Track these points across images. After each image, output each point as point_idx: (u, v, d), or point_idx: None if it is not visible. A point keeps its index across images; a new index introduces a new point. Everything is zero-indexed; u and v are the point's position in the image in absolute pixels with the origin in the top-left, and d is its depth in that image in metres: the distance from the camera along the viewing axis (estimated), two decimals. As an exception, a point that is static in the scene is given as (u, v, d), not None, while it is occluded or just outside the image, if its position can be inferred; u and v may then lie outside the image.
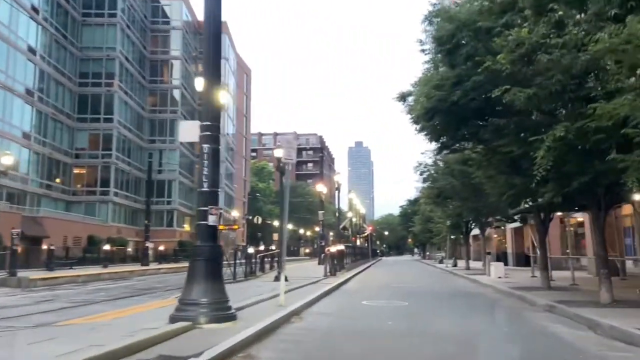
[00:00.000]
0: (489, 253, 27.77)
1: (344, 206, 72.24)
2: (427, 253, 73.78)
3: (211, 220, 7.38)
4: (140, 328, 6.64)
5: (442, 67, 12.66)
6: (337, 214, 42.81)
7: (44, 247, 29.05)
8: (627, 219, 20.18)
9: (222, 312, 7.30)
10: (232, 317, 7.43)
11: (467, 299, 13.98)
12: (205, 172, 7.41)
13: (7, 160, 23.75)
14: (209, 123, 7.48)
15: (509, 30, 9.32)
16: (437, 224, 41.11)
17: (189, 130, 7.62)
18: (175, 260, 39.78)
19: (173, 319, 7.06)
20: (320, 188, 33.20)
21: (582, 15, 9.01)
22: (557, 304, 10.34)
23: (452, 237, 41.54)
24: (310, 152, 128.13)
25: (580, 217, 23.30)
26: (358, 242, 57.19)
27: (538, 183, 9.53)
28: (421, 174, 27.87)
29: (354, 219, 58.07)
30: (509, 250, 34.81)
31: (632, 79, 7.63)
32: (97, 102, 45.63)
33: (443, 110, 11.80)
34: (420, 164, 26.94)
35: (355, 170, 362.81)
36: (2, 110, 35.04)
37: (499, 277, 19.51)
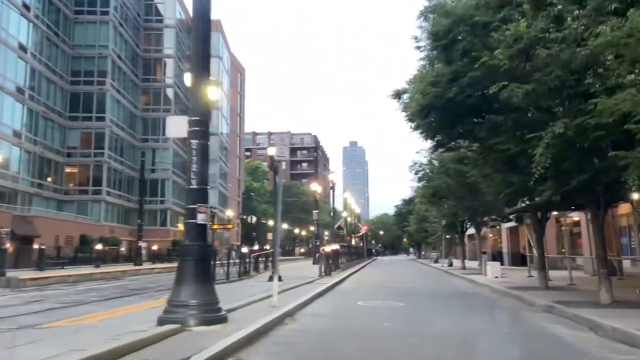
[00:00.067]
0: (484, 252, 27.64)
1: (339, 206, 72.20)
2: (423, 252, 73.77)
3: (200, 218, 7.13)
4: (127, 330, 6.40)
5: (437, 63, 12.46)
6: (332, 213, 42.61)
7: (35, 246, 28.68)
8: (624, 218, 20.09)
9: (212, 314, 7.05)
10: (222, 319, 7.18)
11: (464, 299, 13.80)
12: (193, 169, 7.16)
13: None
14: (197, 118, 7.23)
15: (506, 25, 9.13)
16: (432, 224, 41.03)
17: (177, 126, 7.36)
18: (168, 260, 39.43)
19: (161, 321, 6.81)
20: (315, 187, 33.02)
21: (581, 10, 8.82)
22: (556, 304, 10.16)
23: (447, 236, 41.48)
24: (305, 152, 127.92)
25: (576, 216, 23.22)
26: (353, 242, 57.06)
27: (536, 181, 9.36)
28: (416, 173, 27.78)
29: (349, 219, 57.90)
30: (505, 250, 34.73)
31: (634, 74, 7.46)
32: (89, 101, 45.16)
33: (439, 107, 11.60)
34: (415, 163, 26.84)
35: (350, 170, 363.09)
36: (-7, 109, 34.63)
37: (496, 277, 19.36)
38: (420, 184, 30.61)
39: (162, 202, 53.42)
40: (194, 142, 7.23)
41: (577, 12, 8.74)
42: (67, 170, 44.97)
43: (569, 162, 9.30)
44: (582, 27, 8.31)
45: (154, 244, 42.92)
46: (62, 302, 13.03)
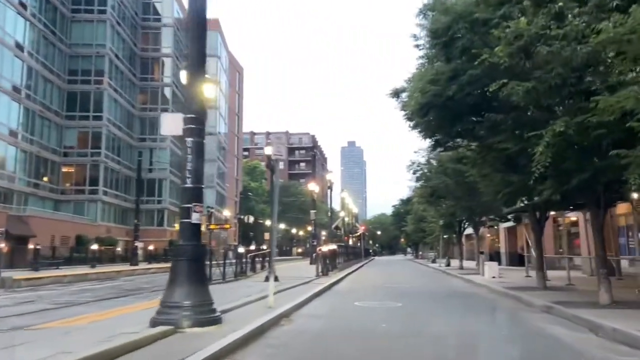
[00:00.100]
0: (482, 252, 27.54)
1: (337, 206, 72.05)
2: (420, 252, 73.65)
3: (194, 218, 6.98)
4: (119, 332, 6.25)
5: (437, 61, 12.34)
6: (329, 213, 42.51)
7: (31, 246, 28.49)
8: (622, 218, 20.01)
9: (206, 315, 6.90)
10: (216, 321, 7.04)
11: (462, 299, 13.67)
12: (189, 167, 7.02)
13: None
14: (192, 115, 7.07)
15: (507, 22, 9.01)
16: (430, 224, 40.88)
17: (171, 123, 7.21)
18: (165, 260, 39.18)
19: (154, 323, 6.66)
20: (313, 187, 32.87)
21: (583, 7, 8.71)
22: (554, 305, 10.04)
23: (445, 236, 41.36)
24: (303, 152, 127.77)
25: (573, 216, 23.15)
26: (350, 242, 56.94)
27: (536, 180, 9.25)
28: (414, 173, 27.62)
29: (346, 219, 57.82)
30: (502, 250, 34.67)
31: (636, 72, 7.35)
32: (86, 100, 44.90)
33: (438, 105, 11.48)
34: (414, 163, 26.69)
35: (348, 170, 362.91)
36: (-12, 107, 34.39)
37: (493, 277, 19.25)
38: (418, 184, 30.48)
39: (159, 202, 53.22)
40: (189, 140, 7.09)
41: (577, 9, 8.64)
42: (64, 169, 44.71)
43: (569, 161, 9.20)
44: (584, 24, 8.21)
45: (150, 244, 42.73)
46: (56, 302, 12.87)
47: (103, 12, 46.12)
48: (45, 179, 41.82)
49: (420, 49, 13.43)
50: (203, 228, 39.08)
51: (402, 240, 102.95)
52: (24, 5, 38.26)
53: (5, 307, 11.99)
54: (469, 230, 32.33)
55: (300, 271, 23.34)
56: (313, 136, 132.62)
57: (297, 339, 7.22)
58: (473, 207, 23.64)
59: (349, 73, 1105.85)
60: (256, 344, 6.62)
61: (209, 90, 7.85)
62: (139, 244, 35.51)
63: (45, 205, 41.08)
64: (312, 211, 31.88)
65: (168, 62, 55.29)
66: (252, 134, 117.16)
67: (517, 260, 29.60)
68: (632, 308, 9.43)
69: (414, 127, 13.27)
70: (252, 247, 32.25)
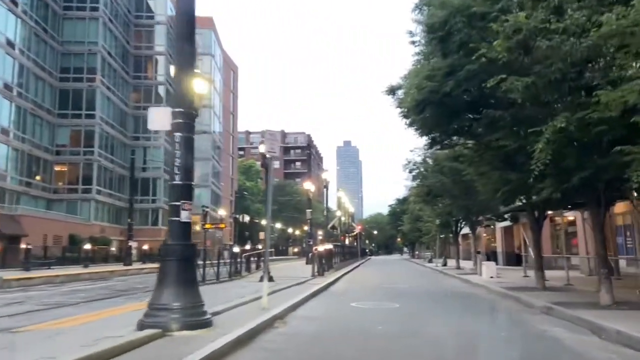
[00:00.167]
0: (479, 252, 27.38)
1: (333, 205, 71.92)
2: (417, 252, 73.56)
3: (184, 216, 6.73)
4: (106, 335, 5.99)
5: (433, 57, 12.11)
6: (325, 212, 42.29)
7: (22, 246, 28.10)
8: (620, 217, 19.86)
9: (196, 318, 6.64)
10: (207, 323, 6.77)
11: (460, 300, 13.46)
12: (177, 164, 6.76)
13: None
14: (181, 109, 6.82)
15: (505, 16, 8.80)
16: (426, 223, 40.73)
17: (160, 118, 6.94)
18: (159, 260, 38.87)
19: (141, 326, 6.39)
20: (308, 186, 32.65)
21: (582, 1, 8.50)
22: (554, 306, 9.83)
23: (441, 236, 41.20)
24: (298, 151, 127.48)
25: (571, 215, 23.00)
26: (347, 242, 56.76)
27: (535, 178, 9.02)
28: (410, 172, 27.44)
29: (342, 218, 57.62)
30: (499, 250, 34.53)
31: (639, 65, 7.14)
32: (78, 98, 44.47)
33: (434, 102, 11.24)
34: (410, 162, 26.50)
35: (344, 169, 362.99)
36: (-21, 106, 33.96)
37: (491, 277, 19.06)
38: (414, 183, 30.30)
39: (153, 201, 52.81)
40: (177, 135, 6.83)
41: (577, 3, 8.43)
42: (56, 168, 44.28)
43: (569, 159, 9.00)
44: (584, 17, 8.00)
45: (144, 244, 42.33)
46: (45, 303, 12.56)
47: (95, 9, 45.70)
48: (37, 177, 41.40)
49: (416, 46, 13.24)
50: (198, 227, 38.96)
51: (399, 239, 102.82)
52: (15, 2, 37.79)
53: (-7, 308, 11.67)
54: (466, 230, 32.17)
55: (296, 271, 23.11)
56: (309, 135, 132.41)
57: (291, 342, 6.98)
58: (470, 206, 23.46)
59: (348, 73, 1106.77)
60: (248, 348, 6.37)
61: (200, 86, 7.58)
62: (133, 244, 35.12)
63: (38, 205, 40.65)
64: (308, 210, 31.66)
65: (161, 60, 54.85)
66: (248, 133, 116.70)
67: (514, 259, 29.46)
68: (633, 309, 9.22)
69: (410, 124, 13.04)
70: (248, 247, 32.01)
